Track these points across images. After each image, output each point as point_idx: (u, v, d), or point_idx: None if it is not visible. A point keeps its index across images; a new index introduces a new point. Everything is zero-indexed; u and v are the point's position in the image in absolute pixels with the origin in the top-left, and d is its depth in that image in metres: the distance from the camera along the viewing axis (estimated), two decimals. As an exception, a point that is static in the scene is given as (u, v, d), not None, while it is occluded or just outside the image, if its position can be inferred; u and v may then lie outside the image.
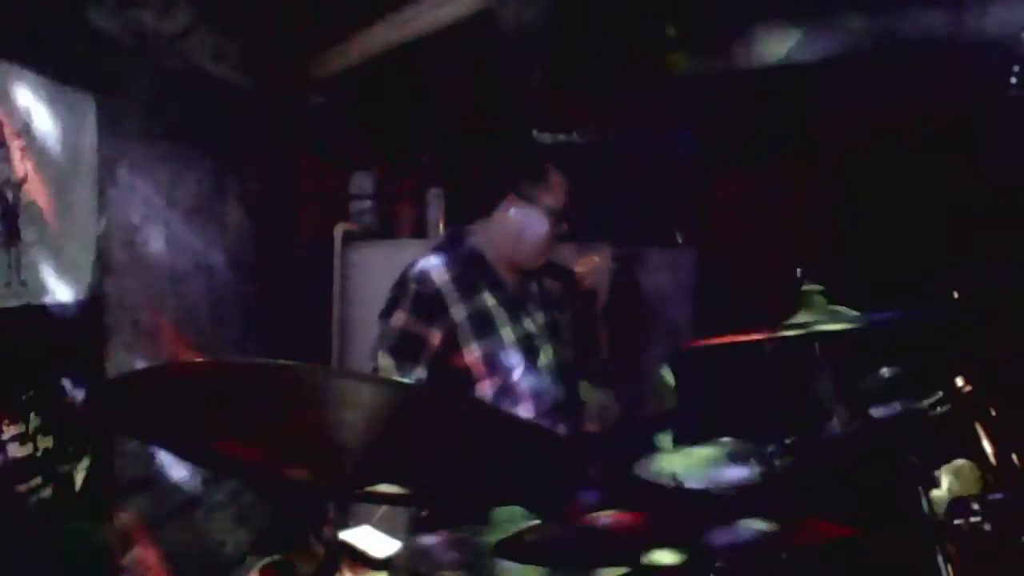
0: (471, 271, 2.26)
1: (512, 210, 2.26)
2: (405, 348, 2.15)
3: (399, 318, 2.17)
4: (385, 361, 2.15)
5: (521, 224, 2.26)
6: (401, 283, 2.22)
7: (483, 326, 2.21)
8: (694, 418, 2.51)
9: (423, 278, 2.19)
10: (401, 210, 3.59)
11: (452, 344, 2.17)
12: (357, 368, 2.93)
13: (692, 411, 2.63)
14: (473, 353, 2.18)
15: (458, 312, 2.19)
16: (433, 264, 2.23)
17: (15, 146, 1.95)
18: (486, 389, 2.18)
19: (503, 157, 2.43)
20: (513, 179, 2.28)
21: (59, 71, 2.09)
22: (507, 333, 2.23)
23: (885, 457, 1.70)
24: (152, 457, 2.48)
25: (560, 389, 2.30)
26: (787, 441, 1.86)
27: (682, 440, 2.10)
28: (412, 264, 2.25)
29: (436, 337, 2.16)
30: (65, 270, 2.12)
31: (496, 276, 2.29)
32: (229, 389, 1.10)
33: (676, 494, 1.86)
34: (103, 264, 2.29)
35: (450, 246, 2.33)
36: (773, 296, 2.05)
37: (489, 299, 2.25)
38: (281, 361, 1.03)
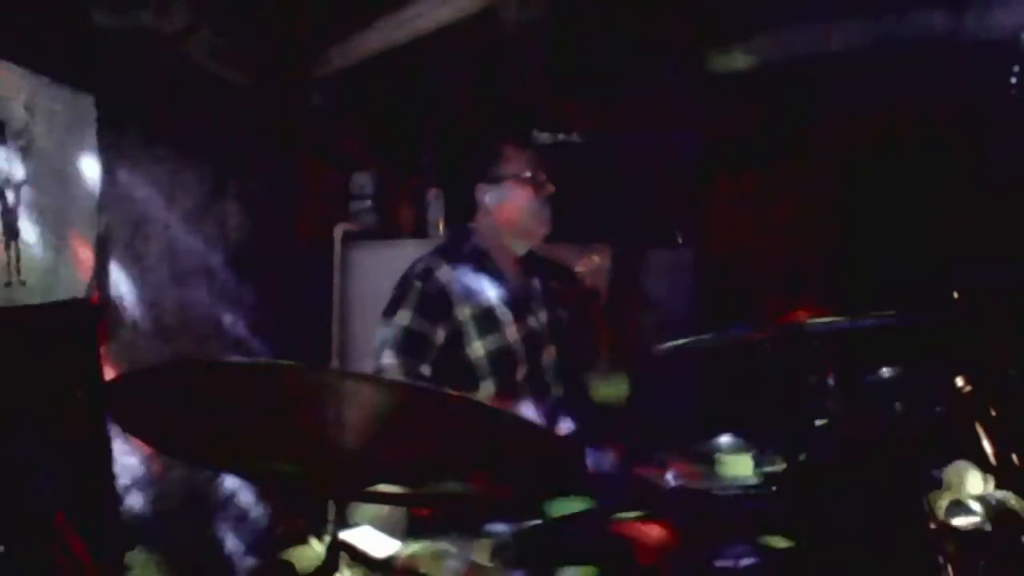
0: (475, 269, 2.26)
1: (487, 197, 2.29)
2: (410, 347, 2.15)
3: (403, 316, 2.16)
4: (389, 360, 2.15)
5: (501, 205, 2.28)
6: (405, 282, 2.21)
7: (487, 324, 2.21)
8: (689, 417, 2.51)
9: (428, 276, 2.19)
10: (401, 210, 3.58)
11: (457, 343, 2.17)
12: (357, 368, 2.93)
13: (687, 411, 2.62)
14: (477, 351, 2.18)
15: (463, 311, 2.19)
16: (437, 262, 2.23)
17: (15, 146, 1.96)
18: (490, 388, 2.18)
19: (455, 156, 2.47)
20: (472, 170, 2.33)
21: (59, 71, 2.09)
22: (511, 332, 2.23)
23: (885, 457, 1.70)
24: (152, 457, 2.48)
25: (563, 388, 2.30)
26: (786, 441, 1.86)
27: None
28: (416, 263, 2.25)
29: (440, 336, 2.16)
30: (65, 270, 2.12)
31: (500, 274, 2.29)
32: (229, 389, 1.10)
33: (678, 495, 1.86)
34: (103, 264, 2.29)
35: (453, 245, 2.33)
36: (773, 296, 2.05)
37: (493, 297, 2.25)
38: (281, 361, 1.03)
